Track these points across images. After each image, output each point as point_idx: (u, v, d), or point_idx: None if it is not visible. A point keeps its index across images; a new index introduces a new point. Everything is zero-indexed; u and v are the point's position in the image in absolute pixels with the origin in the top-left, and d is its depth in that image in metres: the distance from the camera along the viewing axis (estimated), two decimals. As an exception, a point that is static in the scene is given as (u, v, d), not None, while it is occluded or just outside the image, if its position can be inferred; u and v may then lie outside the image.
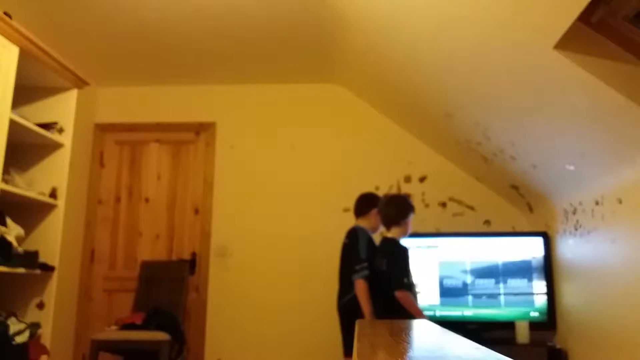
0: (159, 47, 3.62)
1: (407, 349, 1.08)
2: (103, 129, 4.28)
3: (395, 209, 3.07)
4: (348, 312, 3.04)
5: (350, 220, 3.30)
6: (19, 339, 2.81)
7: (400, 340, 1.23)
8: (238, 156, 4.20)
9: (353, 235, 3.11)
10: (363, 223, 3.19)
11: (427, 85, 3.21)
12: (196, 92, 4.31)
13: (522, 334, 3.32)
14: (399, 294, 2.87)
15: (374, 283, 2.99)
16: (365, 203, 3.25)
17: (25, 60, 2.91)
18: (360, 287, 2.96)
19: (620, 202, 2.50)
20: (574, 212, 3.06)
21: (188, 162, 4.25)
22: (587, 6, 1.76)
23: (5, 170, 2.85)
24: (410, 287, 2.94)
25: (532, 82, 2.37)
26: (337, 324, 3.09)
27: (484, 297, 3.46)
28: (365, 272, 2.98)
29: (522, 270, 3.48)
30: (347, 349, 3.03)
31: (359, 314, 2.94)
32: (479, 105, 2.98)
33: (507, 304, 3.45)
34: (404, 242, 3.07)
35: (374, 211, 3.18)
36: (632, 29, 1.94)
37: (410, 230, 3.10)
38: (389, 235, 3.07)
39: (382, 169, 4.07)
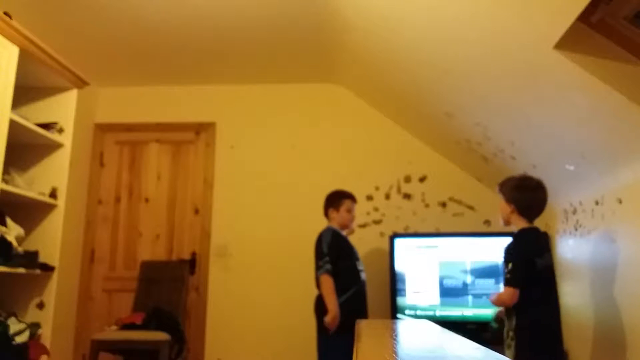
0: (159, 47, 3.62)
1: (408, 349, 1.08)
2: (103, 129, 4.28)
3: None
4: (316, 311, 3.07)
5: (350, 220, 3.31)
6: (19, 339, 2.81)
7: (401, 340, 1.23)
8: (238, 156, 4.20)
9: (318, 238, 3.16)
10: (331, 223, 3.24)
11: (427, 85, 3.21)
12: (196, 92, 4.31)
13: (522, 334, 3.31)
14: None
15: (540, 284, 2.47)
16: (325, 205, 3.30)
17: (25, 60, 2.91)
18: (325, 282, 2.97)
19: (620, 202, 2.50)
20: (574, 212, 3.05)
21: (188, 162, 4.25)
22: (587, 6, 1.76)
23: (5, 170, 2.85)
24: None
25: (532, 82, 2.37)
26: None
27: (484, 297, 3.46)
28: (328, 267, 2.99)
29: (522, 270, 3.47)
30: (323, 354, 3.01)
31: (323, 313, 2.93)
32: (479, 105, 2.98)
33: (507, 304, 3.45)
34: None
35: (331, 211, 3.23)
36: (632, 29, 1.94)
37: None
38: (525, 226, 2.52)
39: (382, 169, 4.07)
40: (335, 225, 3.21)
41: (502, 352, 1.00)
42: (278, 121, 4.23)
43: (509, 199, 2.53)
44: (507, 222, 2.60)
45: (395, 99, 3.84)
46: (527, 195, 2.49)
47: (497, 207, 2.64)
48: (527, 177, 2.57)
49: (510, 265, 2.40)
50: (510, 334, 2.42)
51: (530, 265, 2.39)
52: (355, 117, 4.18)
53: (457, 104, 3.15)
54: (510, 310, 2.44)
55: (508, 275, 2.39)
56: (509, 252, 2.47)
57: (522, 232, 2.49)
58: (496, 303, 2.51)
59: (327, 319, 2.90)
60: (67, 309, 3.81)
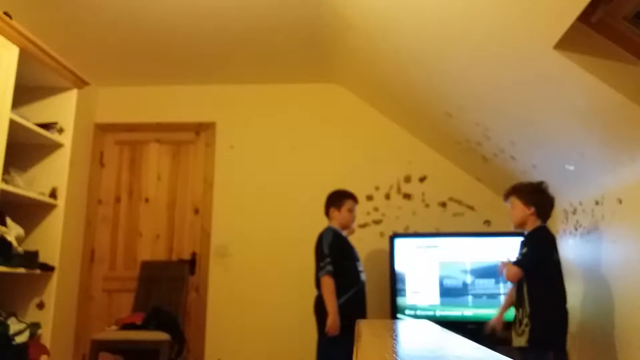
0: (159, 47, 3.62)
1: (408, 349, 1.08)
2: (103, 129, 4.28)
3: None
4: (316, 311, 3.07)
5: (350, 220, 3.31)
6: (19, 339, 2.81)
7: (401, 340, 1.23)
8: (238, 156, 4.20)
9: (319, 237, 3.17)
10: (332, 223, 3.25)
11: (427, 85, 3.21)
12: (196, 92, 4.31)
13: (522, 334, 3.31)
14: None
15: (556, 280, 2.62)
16: (326, 204, 3.30)
17: (25, 60, 2.91)
18: (326, 283, 2.98)
19: (620, 202, 2.50)
20: (574, 212, 3.06)
21: (188, 162, 4.25)
22: (587, 6, 1.76)
23: (5, 170, 2.85)
24: None
25: (532, 82, 2.37)
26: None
27: (484, 297, 3.46)
28: (329, 268, 3.00)
29: (522, 270, 3.47)
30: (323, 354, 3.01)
31: (323, 314, 2.94)
32: (479, 106, 2.98)
33: (507, 304, 3.45)
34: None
35: (332, 211, 3.24)
36: (632, 29, 1.94)
37: None
38: (541, 225, 2.70)
39: (382, 169, 4.07)
40: (336, 224, 3.22)
41: (502, 352, 1.00)
42: (278, 121, 4.23)
43: (530, 202, 2.68)
44: (522, 225, 2.72)
45: (395, 99, 3.84)
46: (547, 197, 2.70)
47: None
48: (539, 181, 2.76)
49: (525, 249, 2.61)
50: (525, 320, 2.55)
51: (547, 257, 2.57)
52: (355, 117, 4.18)
53: (457, 104, 3.15)
54: (522, 298, 2.59)
55: (520, 257, 2.60)
56: (529, 238, 2.65)
57: (543, 228, 2.68)
58: (505, 276, 2.69)
59: (328, 322, 2.89)
60: (67, 309, 3.81)
